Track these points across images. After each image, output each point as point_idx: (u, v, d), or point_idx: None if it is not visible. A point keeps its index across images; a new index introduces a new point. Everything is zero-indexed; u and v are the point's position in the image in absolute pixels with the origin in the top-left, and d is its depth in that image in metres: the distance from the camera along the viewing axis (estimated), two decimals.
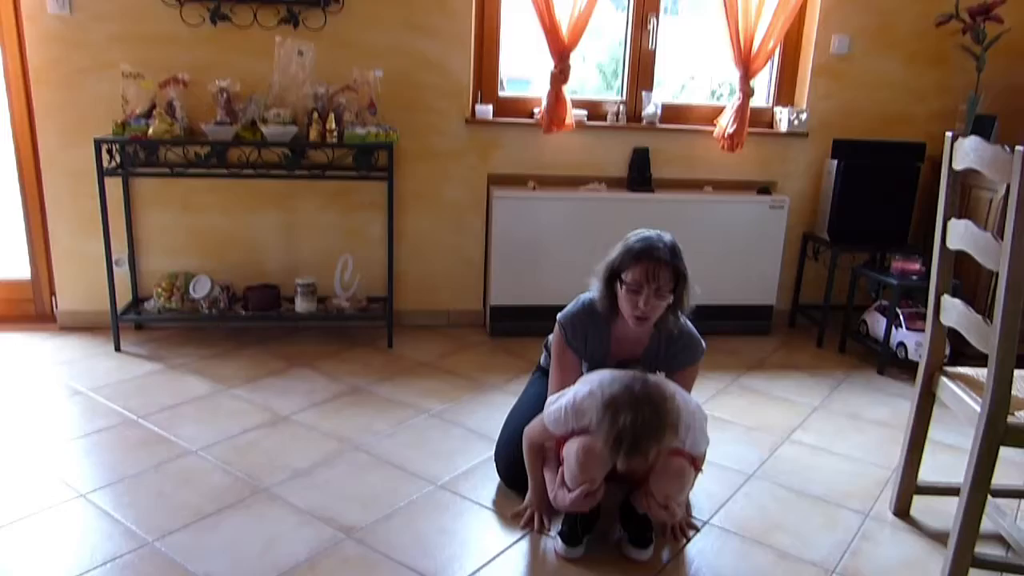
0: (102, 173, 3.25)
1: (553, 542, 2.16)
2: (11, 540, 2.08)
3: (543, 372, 2.56)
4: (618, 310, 2.21)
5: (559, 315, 2.33)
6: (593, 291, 2.26)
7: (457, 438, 2.77)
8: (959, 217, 2.10)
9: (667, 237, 2.17)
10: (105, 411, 2.86)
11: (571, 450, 2.04)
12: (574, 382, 2.16)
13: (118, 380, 3.13)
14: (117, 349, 3.43)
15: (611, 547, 2.16)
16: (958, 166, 2.08)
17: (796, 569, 2.10)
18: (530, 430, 2.23)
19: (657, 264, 2.11)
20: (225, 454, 2.57)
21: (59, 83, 3.42)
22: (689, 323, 2.29)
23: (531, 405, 2.36)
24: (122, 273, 3.59)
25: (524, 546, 2.16)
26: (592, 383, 2.04)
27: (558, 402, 2.11)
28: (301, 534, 2.15)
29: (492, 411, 2.94)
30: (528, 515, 2.25)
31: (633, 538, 2.12)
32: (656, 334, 2.26)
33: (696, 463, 2.13)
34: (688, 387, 2.27)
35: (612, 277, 2.19)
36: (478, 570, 2.04)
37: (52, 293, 3.73)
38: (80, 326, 3.68)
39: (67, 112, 3.45)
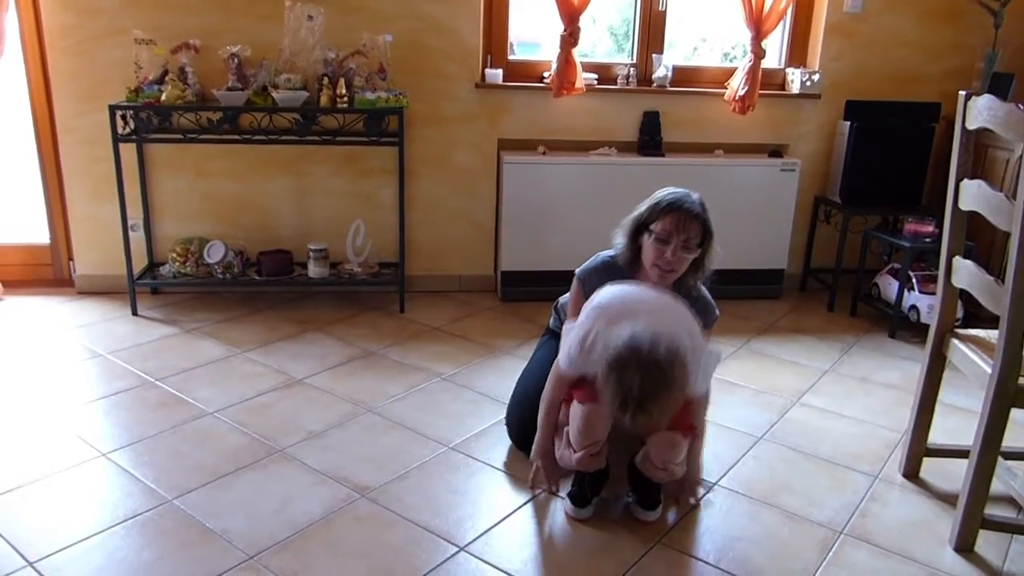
0: (117, 139, 3.27)
1: (563, 503, 2.19)
2: (36, 498, 2.14)
3: (552, 335, 2.57)
4: (639, 265, 2.21)
5: (577, 270, 2.33)
6: (615, 247, 2.27)
7: (468, 401, 2.80)
8: (975, 178, 2.08)
9: (696, 195, 2.19)
10: (123, 373, 2.91)
11: (576, 413, 2.07)
12: None
13: (135, 343, 3.18)
14: (134, 313, 3.47)
15: (620, 508, 2.20)
16: (972, 125, 2.06)
17: (804, 530, 2.13)
18: (550, 386, 2.22)
19: (688, 216, 2.12)
20: (241, 416, 2.62)
21: (73, 50, 3.42)
22: (705, 289, 2.29)
23: (541, 368, 2.38)
24: (138, 238, 3.62)
25: (534, 507, 2.19)
26: (599, 317, 1.99)
27: (568, 337, 2.08)
28: (316, 493, 2.20)
29: (503, 375, 2.97)
30: (535, 475, 2.27)
31: (641, 499, 2.16)
32: (675, 294, 2.26)
33: (693, 426, 2.14)
34: None
35: (639, 230, 2.19)
36: (489, 529, 2.08)
37: (70, 258, 3.77)
38: (97, 290, 3.73)
39: (82, 78, 3.46)
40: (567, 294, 2.43)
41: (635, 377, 1.81)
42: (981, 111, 1.99)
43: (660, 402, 1.84)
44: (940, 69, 3.97)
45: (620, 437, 2.13)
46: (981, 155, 3.61)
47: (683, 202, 2.13)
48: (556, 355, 2.27)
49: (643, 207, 2.20)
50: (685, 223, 2.11)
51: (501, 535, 2.06)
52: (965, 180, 2.10)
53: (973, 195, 2.05)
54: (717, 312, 2.31)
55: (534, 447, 2.29)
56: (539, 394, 2.26)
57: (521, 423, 2.40)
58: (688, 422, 2.11)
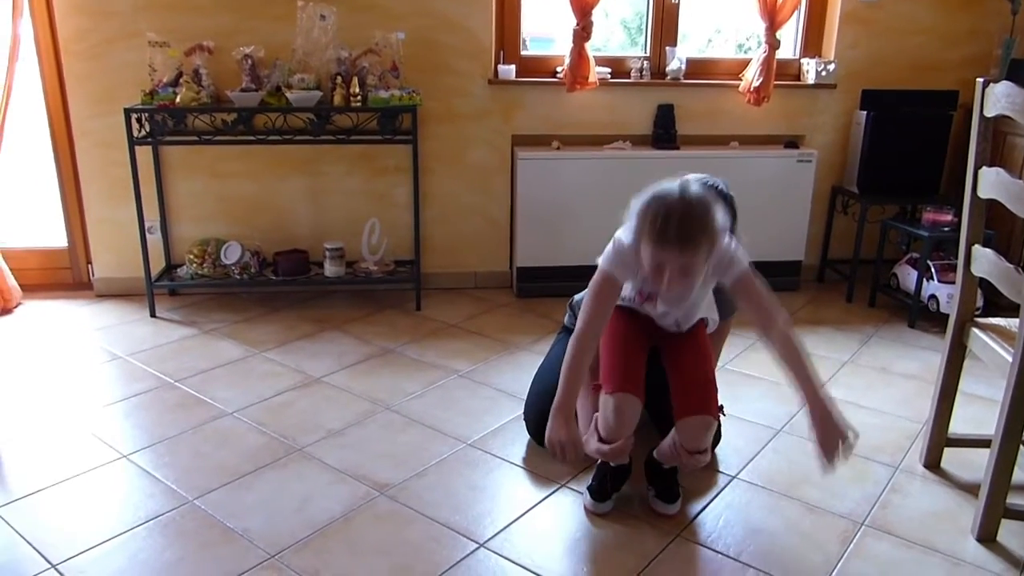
0: (132, 142, 3.29)
1: (582, 498, 2.19)
2: (58, 500, 2.16)
3: (568, 332, 2.57)
4: None
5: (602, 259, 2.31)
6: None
7: (486, 398, 2.80)
8: (993, 165, 2.06)
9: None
10: (143, 375, 2.93)
11: (608, 403, 2.04)
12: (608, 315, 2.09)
13: (154, 345, 3.20)
14: (152, 315, 3.50)
15: (639, 502, 2.19)
16: (990, 112, 2.04)
17: (825, 522, 2.12)
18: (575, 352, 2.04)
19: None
20: (260, 415, 2.63)
21: (88, 53, 3.45)
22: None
23: (558, 363, 2.37)
24: (155, 240, 3.65)
25: (554, 502, 2.19)
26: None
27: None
28: (335, 491, 2.21)
29: (520, 371, 2.97)
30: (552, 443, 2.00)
31: (660, 493, 2.15)
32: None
33: (720, 407, 2.11)
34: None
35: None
36: (509, 525, 2.08)
37: (88, 261, 3.81)
38: (116, 293, 3.76)
39: (96, 82, 3.49)
40: (582, 292, 2.42)
41: (673, 205, 1.76)
42: (999, 98, 1.97)
43: (700, 227, 1.75)
44: (957, 56, 3.92)
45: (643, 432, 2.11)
46: (999, 143, 3.57)
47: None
48: None
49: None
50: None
51: (520, 531, 2.06)
52: (984, 168, 2.08)
53: (992, 183, 2.03)
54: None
55: (553, 406, 2.01)
56: (556, 389, 2.24)
57: (539, 418, 2.39)
58: (716, 403, 2.08)
